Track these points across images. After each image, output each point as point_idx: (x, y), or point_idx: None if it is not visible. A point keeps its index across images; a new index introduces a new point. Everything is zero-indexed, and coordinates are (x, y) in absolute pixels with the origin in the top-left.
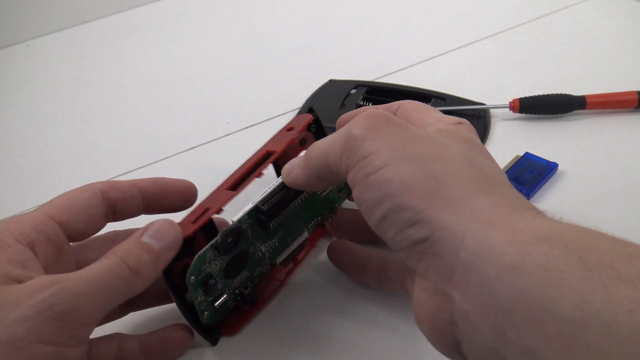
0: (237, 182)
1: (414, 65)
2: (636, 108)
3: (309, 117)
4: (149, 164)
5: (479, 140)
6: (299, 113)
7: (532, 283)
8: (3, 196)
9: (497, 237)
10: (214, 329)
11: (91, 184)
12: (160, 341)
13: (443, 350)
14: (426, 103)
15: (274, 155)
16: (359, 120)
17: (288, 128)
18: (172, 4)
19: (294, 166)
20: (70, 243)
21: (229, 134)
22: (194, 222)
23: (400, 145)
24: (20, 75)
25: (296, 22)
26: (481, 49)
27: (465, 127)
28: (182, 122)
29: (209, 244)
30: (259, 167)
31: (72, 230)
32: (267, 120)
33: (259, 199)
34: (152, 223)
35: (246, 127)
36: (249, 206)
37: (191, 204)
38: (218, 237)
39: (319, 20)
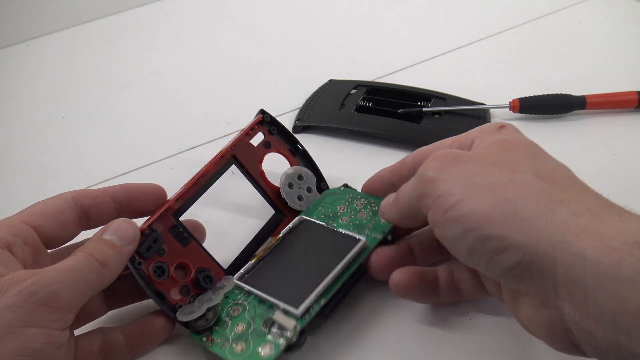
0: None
1: (414, 65)
2: (636, 108)
3: (258, 117)
4: (149, 164)
5: (532, 140)
6: (299, 112)
7: (631, 289)
8: (3, 196)
9: (587, 247)
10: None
11: (63, 193)
12: (142, 328)
13: (566, 352)
14: (426, 103)
15: (223, 149)
16: (430, 163)
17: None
18: (172, 4)
19: (388, 206)
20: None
21: (229, 134)
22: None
23: (469, 180)
24: (20, 75)
25: (296, 22)
26: (481, 49)
27: (512, 129)
28: (182, 122)
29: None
30: (211, 162)
31: (46, 235)
32: None
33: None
34: (110, 223)
35: None
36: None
37: None
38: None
39: (319, 20)
